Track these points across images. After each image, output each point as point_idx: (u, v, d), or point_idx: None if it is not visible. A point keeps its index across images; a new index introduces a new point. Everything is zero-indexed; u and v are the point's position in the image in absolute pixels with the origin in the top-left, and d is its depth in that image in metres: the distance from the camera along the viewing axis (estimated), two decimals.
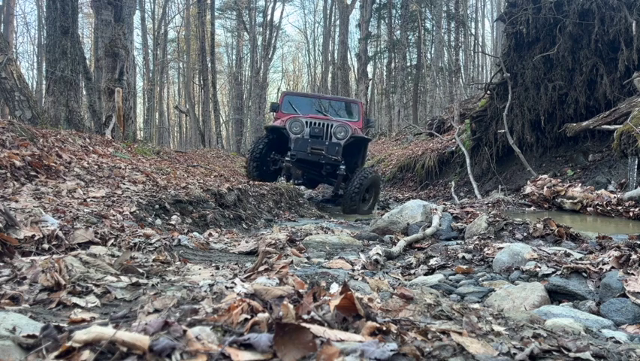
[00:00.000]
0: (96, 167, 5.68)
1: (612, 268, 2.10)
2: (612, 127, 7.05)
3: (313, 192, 13.40)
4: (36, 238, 2.34)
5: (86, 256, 1.82)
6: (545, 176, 7.33)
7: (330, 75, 32.16)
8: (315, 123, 8.62)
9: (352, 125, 9.03)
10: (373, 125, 11.85)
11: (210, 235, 3.95)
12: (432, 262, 2.76)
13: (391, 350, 0.90)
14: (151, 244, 2.63)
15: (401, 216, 4.29)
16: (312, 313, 1.04)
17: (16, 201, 3.29)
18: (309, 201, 9.45)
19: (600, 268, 2.13)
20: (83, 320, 1.16)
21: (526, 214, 5.76)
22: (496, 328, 1.17)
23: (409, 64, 28.09)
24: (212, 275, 1.92)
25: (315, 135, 8.55)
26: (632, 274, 1.96)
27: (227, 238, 3.82)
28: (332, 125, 8.63)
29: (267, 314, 1.02)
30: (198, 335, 0.90)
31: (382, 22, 30.80)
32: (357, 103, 10.61)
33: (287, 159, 8.58)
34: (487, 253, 2.74)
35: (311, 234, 3.80)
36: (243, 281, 1.66)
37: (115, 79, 10.64)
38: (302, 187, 10.18)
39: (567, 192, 6.30)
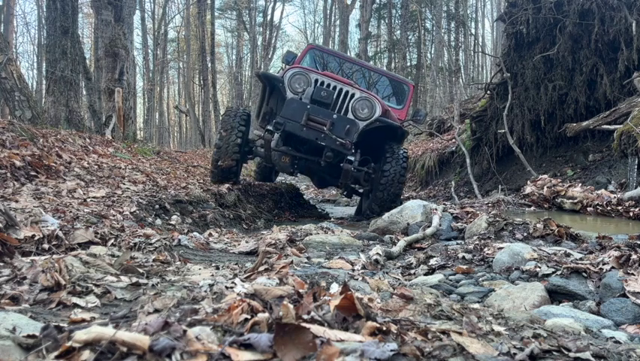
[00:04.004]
0: (96, 167, 5.68)
1: (612, 268, 2.09)
2: (612, 127, 7.05)
3: (313, 192, 13.37)
4: (36, 238, 2.34)
5: (86, 256, 1.82)
6: (545, 176, 7.33)
7: None
8: (326, 84, 5.80)
9: (386, 107, 6.20)
10: (422, 120, 7.63)
11: (210, 235, 3.95)
12: (432, 262, 2.76)
13: (391, 350, 0.90)
14: (151, 244, 2.63)
15: (401, 216, 4.29)
16: (312, 313, 1.04)
17: (16, 201, 3.29)
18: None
19: (600, 268, 2.13)
20: (83, 320, 1.16)
21: (526, 214, 5.76)
22: (496, 328, 1.17)
23: (409, 64, 28.08)
24: (212, 275, 1.92)
25: (321, 101, 5.65)
26: (632, 274, 1.96)
27: (227, 238, 3.82)
28: (352, 95, 5.78)
29: (267, 314, 1.02)
30: (198, 335, 0.90)
31: (382, 22, 30.82)
32: (407, 84, 7.53)
33: (269, 127, 5.63)
34: (487, 253, 2.74)
35: (311, 234, 3.80)
36: (243, 281, 1.66)
37: (115, 79, 10.64)
38: (299, 182, 8.58)
39: (567, 192, 6.29)
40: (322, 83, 5.82)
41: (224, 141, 6.18)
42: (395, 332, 1.01)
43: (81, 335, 0.83)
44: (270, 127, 5.65)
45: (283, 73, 6.03)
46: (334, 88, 5.81)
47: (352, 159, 5.81)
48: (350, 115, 5.76)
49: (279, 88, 5.94)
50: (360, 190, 7.12)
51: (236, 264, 2.47)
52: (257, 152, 6.43)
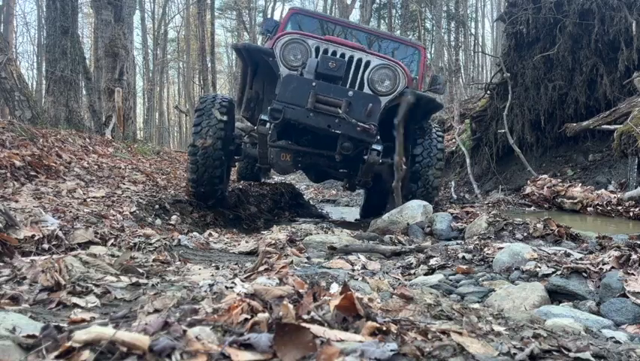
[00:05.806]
0: (96, 167, 5.68)
1: (612, 268, 2.09)
2: (612, 127, 7.05)
3: (313, 192, 13.34)
4: (36, 238, 2.34)
5: (86, 256, 1.82)
6: (545, 176, 7.33)
7: None
8: (331, 52, 4.52)
9: (410, 75, 4.88)
10: (442, 88, 6.24)
11: (210, 235, 3.95)
12: (432, 262, 2.75)
13: (391, 350, 0.90)
14: (151, 244, 2.63)
15: (401, 217, 4.29)
16: (312, 314, 1.04)
17: (16, 201, 3.29)
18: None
19: (600, 268, 2.13)
20: (83, 320, 1.15)
21: (526, 214, 5.76)
22: (496, 328, 1.17)
23: None
24: (212, 275, 1.92)
25: (329, 75, 4.38)
26: (632, 274, 1.96)
27: (227, 238, 3.82)
28: (368, 63, 4.54)
29: (267, 314, 1.02)
30: (198, 335, 0.90)
31: (382, 22, 30.80)
32: (417, 47, 6.19)
33: (263, 117, 4.30)
34: (487, 253, 2.74)
35: (311, 234, 3.79)
36: (242, 281, 1.66)
37: (115, 79, 10.64)
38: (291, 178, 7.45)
39: (567, 192, 6.30)
40: (326, 52, 4.50)
41: (200, 143, 4.63)
42: (395, 332, 1.01)
43: (81, 335, 0.83)
44: (264, 116, 4.29)
45: (272, 43, 4.65)
46: (343, 56, 4.50)
47: (379, 148, 4.49)
48: (367, 89, 4.50)
49: (267, 64, 4.65)
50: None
51: (236, 264, 2.47)
52: (247, 151, 5.09)
